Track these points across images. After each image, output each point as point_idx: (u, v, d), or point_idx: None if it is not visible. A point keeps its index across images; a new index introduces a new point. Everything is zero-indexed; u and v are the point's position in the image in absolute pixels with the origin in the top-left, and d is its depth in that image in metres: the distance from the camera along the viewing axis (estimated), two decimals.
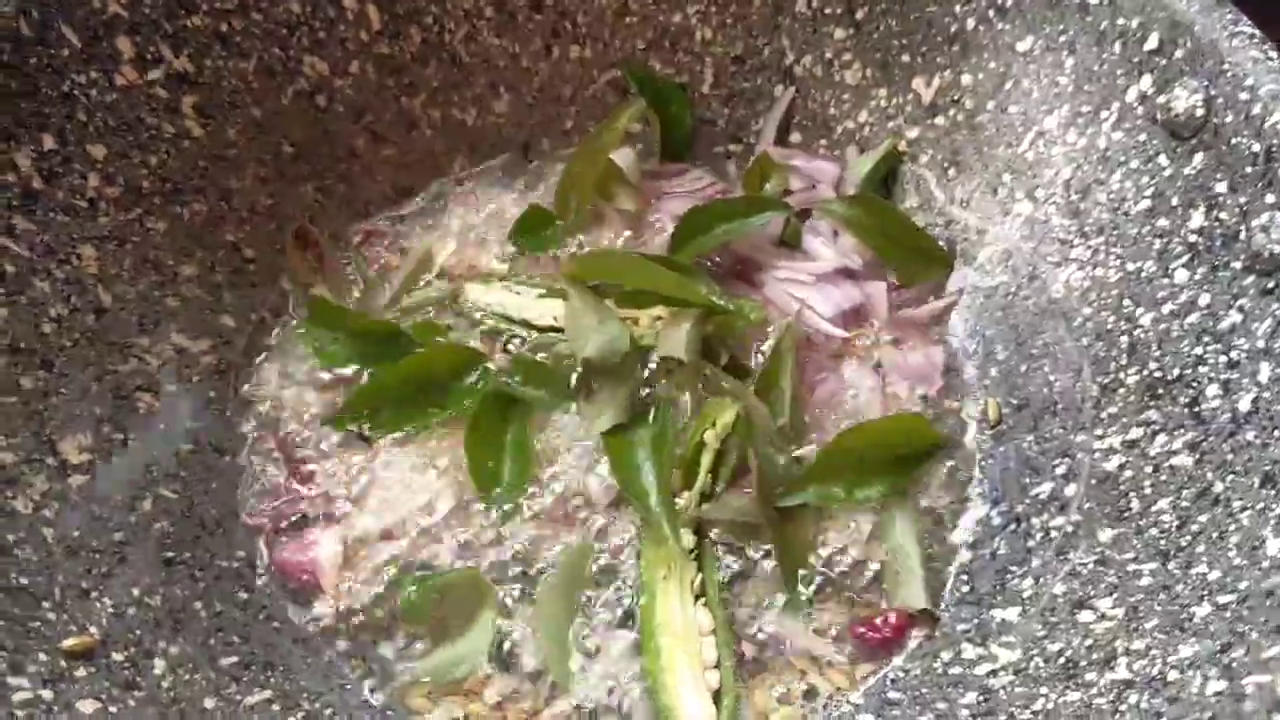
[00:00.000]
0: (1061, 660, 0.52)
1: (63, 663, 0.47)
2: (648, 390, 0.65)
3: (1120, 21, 0.60)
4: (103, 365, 0.58)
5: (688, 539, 0.59)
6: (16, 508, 0.50)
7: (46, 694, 0.45)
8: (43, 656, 0.46)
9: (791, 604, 0.59)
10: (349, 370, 0.66)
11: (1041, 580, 0.57)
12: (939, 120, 0.70)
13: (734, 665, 0.57)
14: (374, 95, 0.71)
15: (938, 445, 0.64)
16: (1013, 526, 0.60)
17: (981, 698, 0.53)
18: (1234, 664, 0.45)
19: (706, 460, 0.61)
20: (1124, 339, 0.60)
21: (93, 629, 0.49)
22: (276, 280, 0.69)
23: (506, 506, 0.61)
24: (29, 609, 0.48)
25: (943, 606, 0.60)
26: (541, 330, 0.66)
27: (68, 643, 0.48)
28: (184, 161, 0.64)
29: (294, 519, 0.61)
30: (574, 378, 0.64)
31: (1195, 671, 0.46)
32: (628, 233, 0.72)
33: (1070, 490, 0.59)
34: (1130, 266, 0.60)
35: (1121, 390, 0.59)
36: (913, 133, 0.71)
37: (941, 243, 0.71)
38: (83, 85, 0.59)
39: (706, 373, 0.63)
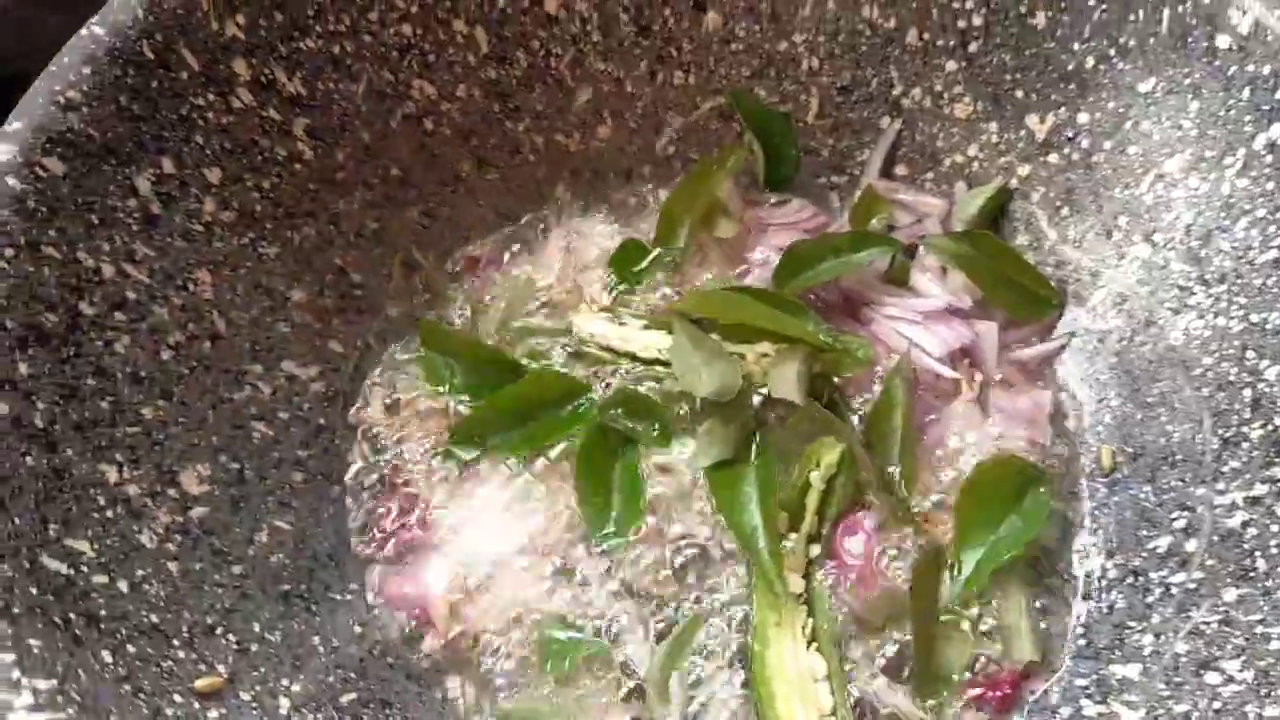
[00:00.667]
0: None
1: (196, 704, 0.47)
2: (754, 428, 0.64)
3: (1250, 68, 0.59)
4: (218, 394, 0.58)
5: (797, 582, 0.59)
6: (143, 542, 0.50)
7: None
8: (178, 698, 0.46)
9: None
10: (453, 397, 0.66)
11: (1163, 638, 0.56)
12: (1053, 158, 0.69)
13: (849, 712, 0.57)
14: (480, 119, 0.70)
15: (1046, 483, 0.63)
16: (1130, 580, 0.60)
17: None
18: None
19: (813, 501, 0.60)
20: (1247, 392, 0.59)
21: (220, 667, 0.49)
22: (382, 306, 0.68)
23: (616, 542, 0.61)
24: (161, 648, 0.47)
25: (1058, 660, 0.59)
26: (647, 363, 0.66)
27: (199, 683, 0.47)
28: (295, 185, 0.64)
29: (402, 550, 0.61)
30: (681, 413, 0.64)
31: None
32: (729, 268, 0.71)
33: (1191, 546, 0.58)
34: (1255, 318, 0.59)
35: (1245, 445, 0.58)
36: (1024, 170, 0.70)
37: (1053, 283, 0.70)
38: (200, 108, 0.59)
39: (814, 413, 0.62)
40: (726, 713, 0.58)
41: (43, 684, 0.41)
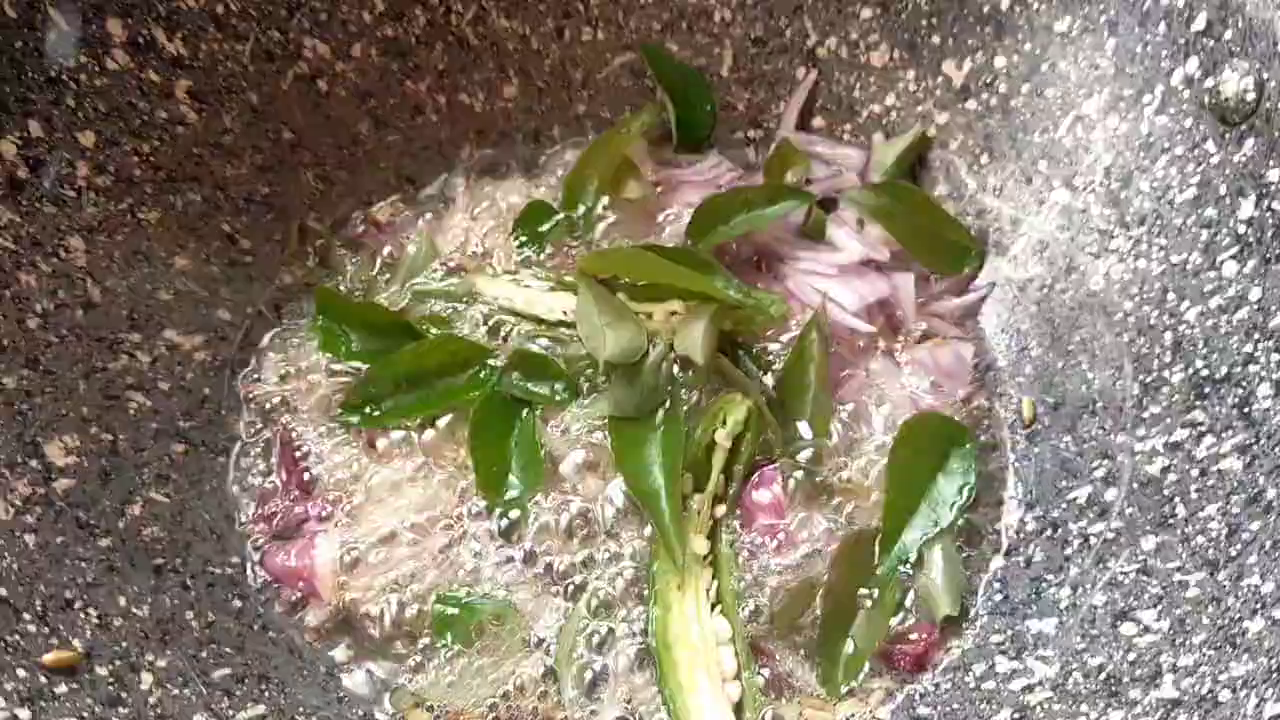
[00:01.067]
0: (1103, 676, 0.49)
1: (43, 679, 0.44)
2: (661, 388, 0.61)
3: (1165, 1, 0.57)
4: (91, 363, 0.56)
5: (701, 544, 0.56)
6: None
7: (23, 714, 0.42)
8: (21, 673, 0.44)
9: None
10: (348, 367, 0.63)
11: (1080, 590, 0.54)
12: (971, 104, 0.67)
13: (754, 674, 0.54)
14: (378, 80, 0.68)
15: (970, 440, 0.60)
16: (1049, 532, 0.57)
17: (1016, 715, 0.50)
18: None
19: (718, 460, 0.58)
20: (1168, 335, 0.57)
21: (76, 642, 0.47)
22: (275, 273, 0.66)
23: (515, 514, 0.58)
24: (8, 622, 0.45)
25: (973, 615, 0.57)
26: (551, 325, 0.63)
27: (48, 658, 0.45)
28: (178, 149, 0.61)
29: (289, 523, 0.58)
30: (584, 376, 0.61)
31: (1250, 692, 0.43)
32: (641, 229, 0.69)
33: (1110, 495, 0.56)
34: (1175, 258, 0.57)
35: (1165, 389, 0.56)
36: (942, 118, 0.68)
37: (973, 233, 0.67)
38: (71, 70, 0.56)
39: (722, 369, 0.60)
40: (627, 681, 0.55)
41: None
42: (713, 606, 0.55)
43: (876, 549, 0.58)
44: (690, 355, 0.59)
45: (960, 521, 0.59)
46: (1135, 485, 0.55)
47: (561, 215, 0.68)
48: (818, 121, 0.72)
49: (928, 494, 0.59)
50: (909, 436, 0.59)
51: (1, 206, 0.54)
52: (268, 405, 0.62)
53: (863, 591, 0.57)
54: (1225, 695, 0.44)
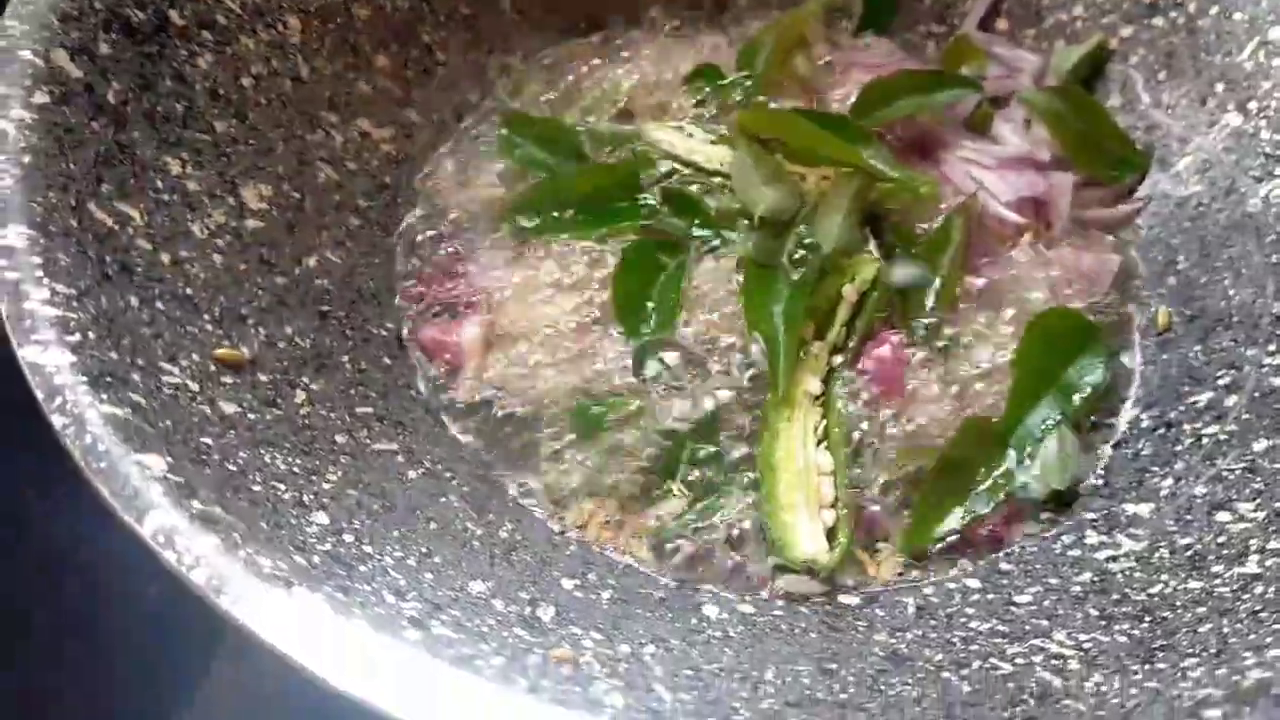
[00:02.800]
0: (1189, 553, 0.50)
1: (212, 367, 0.49)
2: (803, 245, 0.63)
3: None
4: (291, 130, 0.61)
5: (815, 384, 0.58)
6: (193, 229, 0.53)
7: (194, 385, 0.47)
8: (195, 357, 0.49)
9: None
10: (520, 184, 0.67)
11: (1183, 481, 0.54)
12: (1157, 21, 0.67)
13: (851, 507, 0.56)
14: None
15: (1103, 342, 0.61)
16: (1162, 430, 0.58)
17: (1097, 577, 0.51)
18: None
19: (843, 313, 0.60)
20: None
21: (244, 349, 0.52)
22: (464, 88, 0.70)
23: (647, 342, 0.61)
24: (190, 315, 0.50)
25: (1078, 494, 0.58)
26: (709, 173, 0.66)
27: (219, 352, 0.50)
28: None
29: (442, 305, 0.63)
30: (731, 227, 0.64)
31: None
32: (806, 103, 0.71)
33: (1230, 401, 0.56)
34: None
35: None
36: (1127, 31, 0.69)
37: (1140, 147, 0.67)
38: None
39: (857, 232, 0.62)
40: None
41: (63, 288, 0.44)
42: (819, 442, 0.58)
43: (1000, 430, 0.59)
44: (823, 230, 0.61)
45: (1084, 414, 0.60)
46: (1256, 394, 0.55)
47: (730, 79, 0.71)
48: (1002, 24, 0.73)
49: (1054, 384, 0.60)
50: (1042, 326, 0.60)
51: None
52: (439, 202, 0.67)
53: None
54: None
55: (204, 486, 0.41)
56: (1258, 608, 0.44)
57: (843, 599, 0.54)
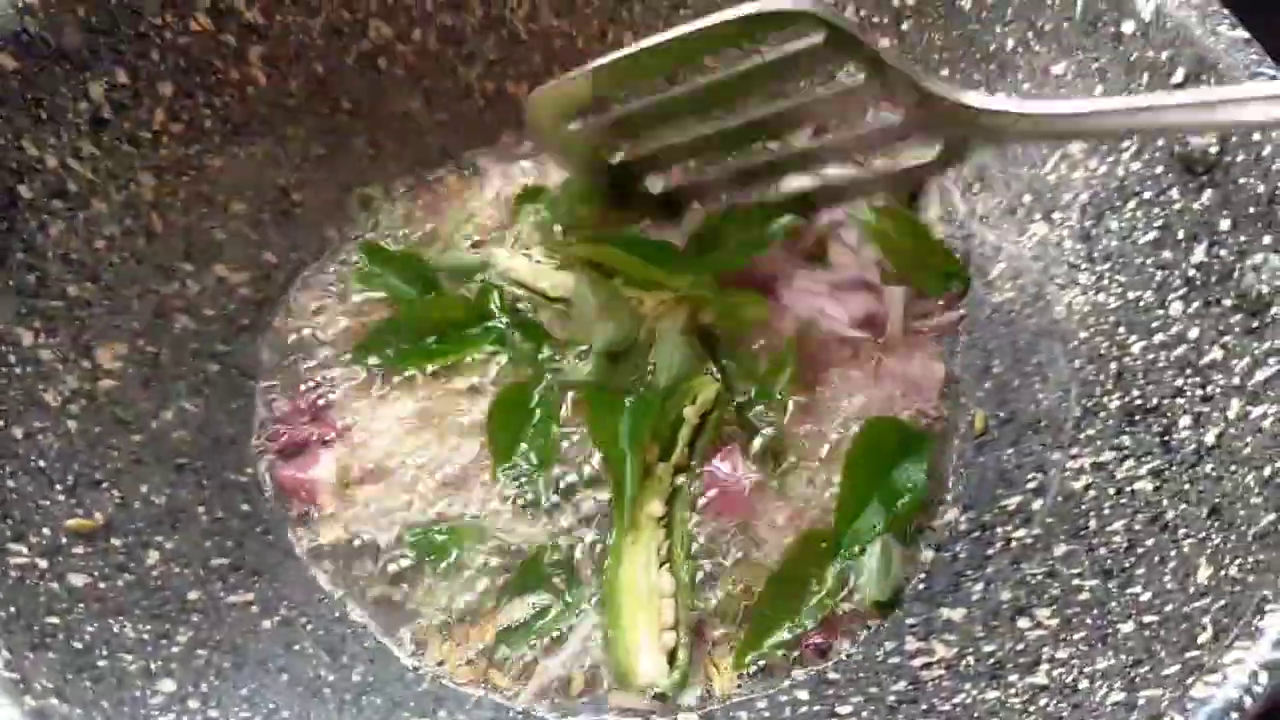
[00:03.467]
0: (991, 661, 0.54)
1: (63, 539, 0.52)
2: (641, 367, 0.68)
3: (1150, 54, 0.61)
4: (146, 285, 0.64)
5: (658, 507, 0.62)
6: (47, 400, 0.56)
7: (42, 563, 0.50)
8: (45, 531, 0.51)
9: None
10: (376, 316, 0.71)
11: (992, 585, 0.58)
12: None
13: (691, 629, 0.60)
14: (433, 63, 0.75)
15: (927, 448, 0.65)
16: (977, 533, 0.62)
17: (910, 686, 0.55)
18: (1137, 678, 0.47)
19: (685, 434, 0.64)
20: (1113, 365, 0.61)
21: (98, 515, 0.54)
22: (321, 226, 0.73)
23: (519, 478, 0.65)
24: (42, 489, 0.53)
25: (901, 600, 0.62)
26: (555, 300, 0.70)
27: (70, 523, 0.53)
28: (246, 107, 0.69)
29: (298, 442, 0.66)
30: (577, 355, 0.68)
31: (1103, 682, 0.48)
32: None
33: (1037, 504, 0.60)
34: (1131, 295, 0.61)
35: (1103, 414, 0.60)
36: None
37: (960, 255, 0.72)
38: (158, 27, 0.64)
39: (694, 352, 0.66)
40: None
41: None
42: (662, 564, 0.61)
43: (829, 541, 0.63)
44: (661, 356, 0.65)
45: (906, 520, 0.64)
46: (1059, 498, 0.60)
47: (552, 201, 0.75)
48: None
49: (878, 491, 0.64)
50: (867, 435, 0.65)
51: (85, 141, 0.61)
52: (298, 339, 0.70)
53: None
54: (1084, 684, 0.49)
55: (43, 676, 0.44)
56: None
57: (682, 717, 0.57)
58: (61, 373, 0.57)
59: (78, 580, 0.51)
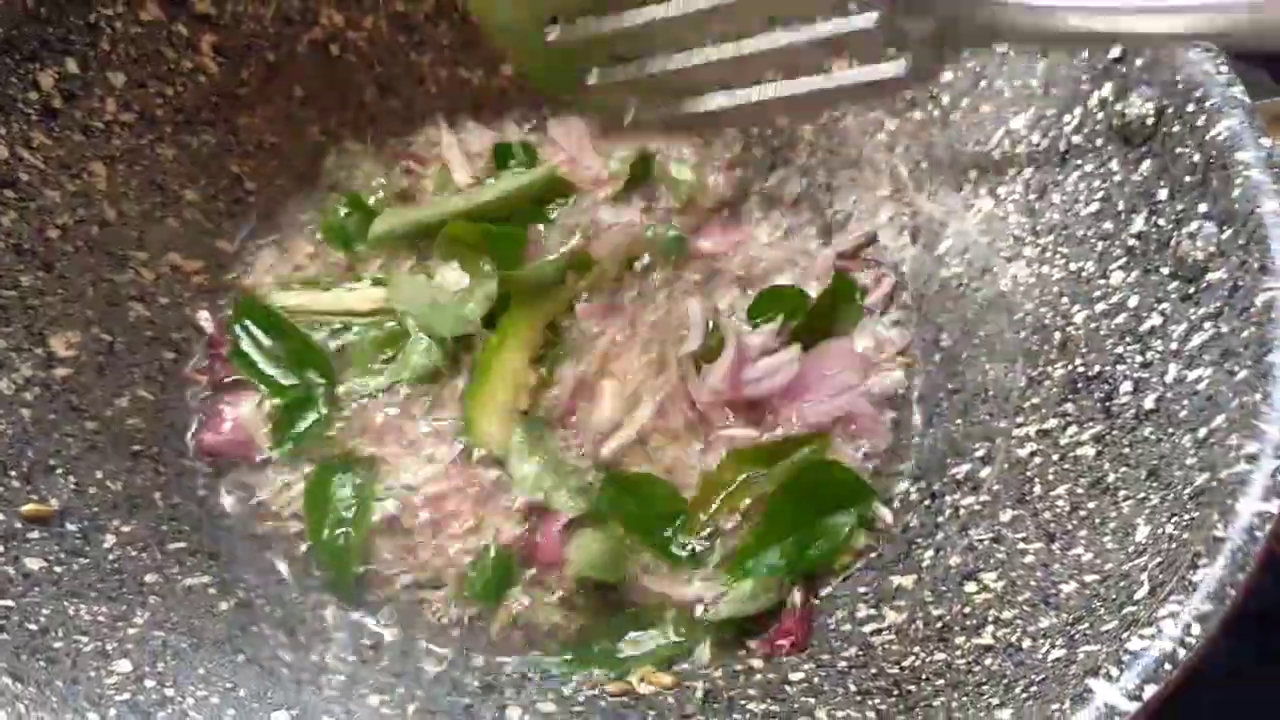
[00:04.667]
0: (939, 625, 0.55)
1: (18, 524, 0.52)
2: None
3: None
4: (100, 273, 0.64)
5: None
6: (0, 388, 0.56)
7: None
8: (0, 516, 0.52)
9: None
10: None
11: (941, 552, 0.59)
12: (916, 114, 0.73)
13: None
14: (385, 50, 0.75)
15: (862, 502, 0.64)
16: (928, 502, 0.63)
17: (860, 652, 0.56)
18: (1077, 635, 0.48)
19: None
20: (1057, 335, 0.62)
21: (53, 501, 0.55)
22: (274, 215, 0.74)
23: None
24: None
25: (850, 568, 0.63)
26: (365, 314, 0.70)
27: (25, 508, 0.53)
28: (197, 95, 0.69)
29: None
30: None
31: (1045, 641, 0.49)
32: None
33: (984, 472, 0.61)
34: (1073, 266, 0.63)
35: (1047, 383, 0.62)
36: (892, 124, 0.74)
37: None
38: (109, 17, 0.64)
39: None
40: None
41: None
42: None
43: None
44: None
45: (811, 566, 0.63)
46: (1005, 465, 0.61)
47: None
48: (782, 120, 0.78)
49: (798, 533, 0.63)
50: (811, 474, 0.64)
51: (36, 131, 0.61)
52: None
53: None
54: (1027, 643, 0.50)
55: None
56: (983, 680, 0.49)
57: (641, 689, 0.58)
58: (15, 361, 0.58)
59: (33, 564, 0.51)
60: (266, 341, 0.67)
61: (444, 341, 0.66)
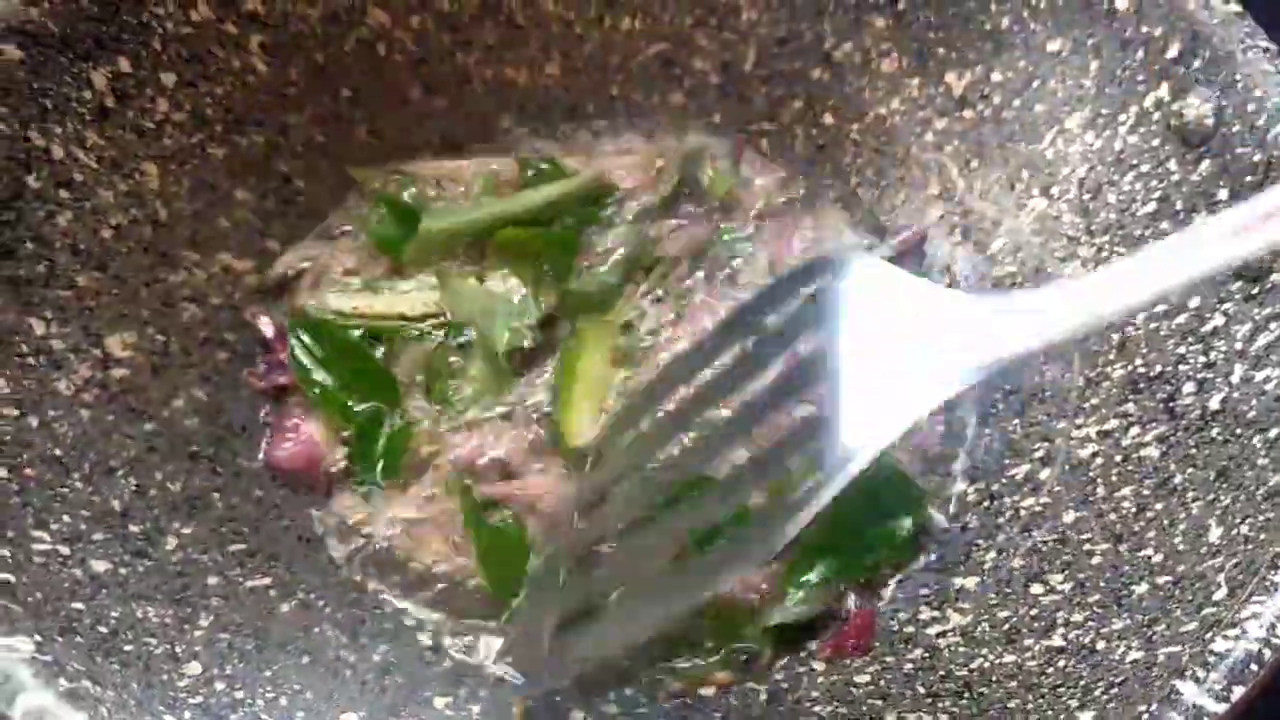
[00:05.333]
0: (1006, 627, 0.55)
1: (83, 526, 0.52)
2: None
3: (1145, 29, 0.62)
4: (154, 273, 0.64)
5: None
6: (59, 389, 0.56)
7: (64, 549, 0.50)
8: (66, 518, 0.51)
9: None
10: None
11: (1004, 554, 0.59)
12: (967, 113, 0.72)
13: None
14: (431, 49, 0.75)
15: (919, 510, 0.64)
16: (986, 503, 0.63)
17: (926, 654, 0.56)
18: (1155, 636, 0.48)
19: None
20: (1115, 335, 0.62)
21: (115, 502, 0.54)
22: (324, 213, 0.73)
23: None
24: (59, 477, 0.53)
25: (909, 571, 0.62)
26: (419, 319, 0.70)
27: (87, 512, 0.53)
28: (247, 95, 0.69)
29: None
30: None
31: (1121, 642, 0.49)
32: None
33: (1044, 474, 0.61)
34: None
35: (1106, 384, 0.61)
36: (941, 124, 0.74)
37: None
38: (160, 17, 0.64)
39: None
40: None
41: None
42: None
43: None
44: None
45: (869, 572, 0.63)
46: (1066, 466, 0.60)
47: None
48: (829, 119, 0.78)
49: (853, 540, 0.62)
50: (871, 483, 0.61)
51: (89, 130, 0.61)
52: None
53: None
54: (1101, 645, 0.50)
55: (73, 659, 0.44)
56: (1058, 682, 0.49)
57: (702, 691, 0.58)
58: (73, 362, 0.57)
59: (99, 566, 0.51)
60: (329, 361, 0.67)
61: (499, 355, 0.66)
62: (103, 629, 0.47)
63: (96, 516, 0.53)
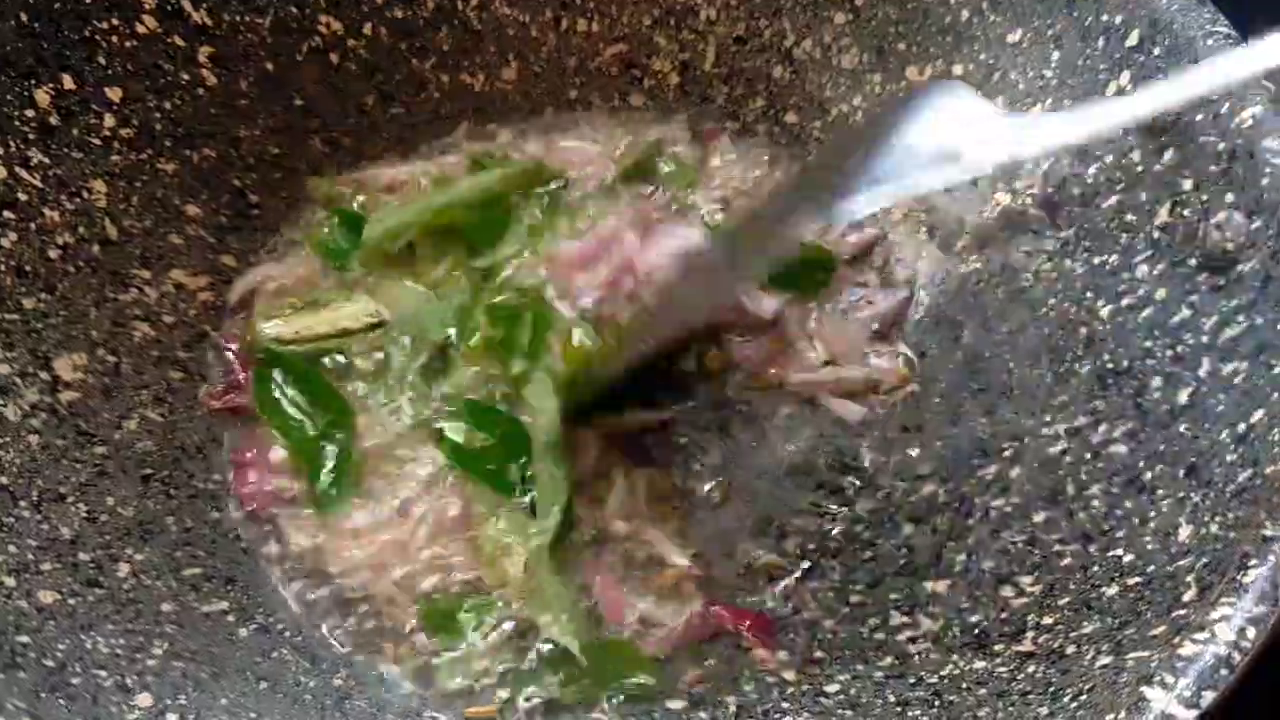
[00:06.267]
0: (976, 631, 0.54)
1: (30, 556, 0.51)
2: None
3: (1104, 18, 0.61)
4: (103, 293, 0.62)
5: None
6: (6, 415, 0.55)
7: (10, 581, 0.49)
8: (12, 548, 0.50)
9: None
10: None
11: (974, 556, 0.58)
12: None
13: None
14: (385, 56, 0.74)
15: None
16: (956, 504, 0.62)
17: (896, 661, 0.55)
18: (1124, 640, 0.47)
19: None
20: (1083, 330, 0.61)
21: (65, 530, 0.53)
22: (278, 227, 0.72)
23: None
24: (6, 506, 0.52)
25: (881, 576, 0.62)
26: (360, 331, 0.68)
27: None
28: (196, 108, 0.68)
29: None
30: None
31: (1090, 646, 0.48)
32: None
33: (1014, 473, 0.60)
34: (1096, 260, 0.61)
35: (1074, 380, 0.60)
36: None
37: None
38: (104, 31, 0.63)
39: None
40: None
41: None
42: None
43: None
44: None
45: None
46: (1035, 465, 0.60)
47: None
48: (791, 118, 0.77)
49: None
50: None
51: (33, 149, 0.60)
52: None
53: None
54: (1071, 649, 0.49)
55: (14, 696, 0.43)
56: (1028, 689, 0.48)
57: (670, 704, 0.57)
58: (21, 386, 0.56)
59: (47, 597, 0.50)
60: (290, 390, 0.66)
61: (430, 346, 0.66)
62: (49, 662, 0.46)
63: (45, 545, 0.52)
